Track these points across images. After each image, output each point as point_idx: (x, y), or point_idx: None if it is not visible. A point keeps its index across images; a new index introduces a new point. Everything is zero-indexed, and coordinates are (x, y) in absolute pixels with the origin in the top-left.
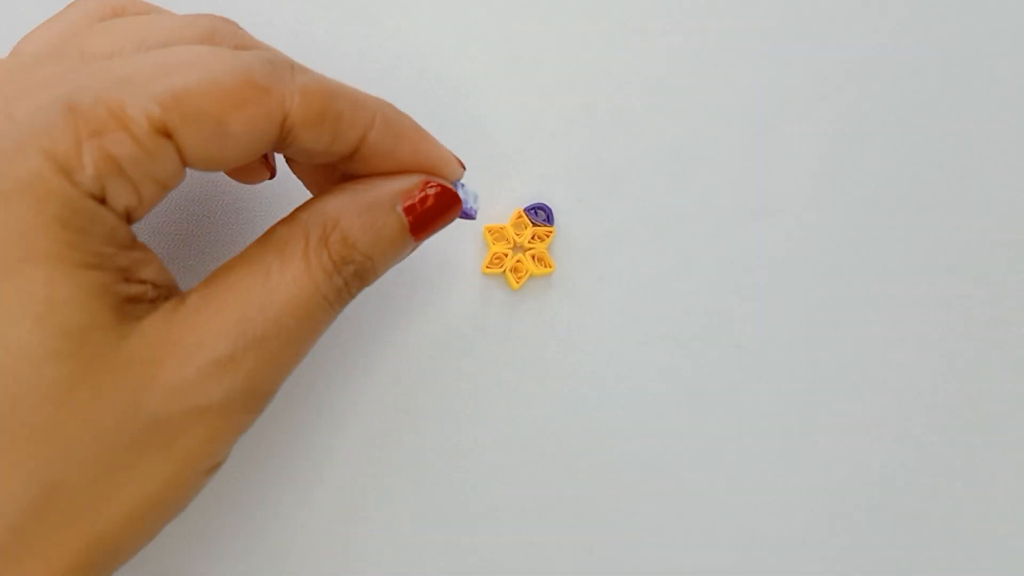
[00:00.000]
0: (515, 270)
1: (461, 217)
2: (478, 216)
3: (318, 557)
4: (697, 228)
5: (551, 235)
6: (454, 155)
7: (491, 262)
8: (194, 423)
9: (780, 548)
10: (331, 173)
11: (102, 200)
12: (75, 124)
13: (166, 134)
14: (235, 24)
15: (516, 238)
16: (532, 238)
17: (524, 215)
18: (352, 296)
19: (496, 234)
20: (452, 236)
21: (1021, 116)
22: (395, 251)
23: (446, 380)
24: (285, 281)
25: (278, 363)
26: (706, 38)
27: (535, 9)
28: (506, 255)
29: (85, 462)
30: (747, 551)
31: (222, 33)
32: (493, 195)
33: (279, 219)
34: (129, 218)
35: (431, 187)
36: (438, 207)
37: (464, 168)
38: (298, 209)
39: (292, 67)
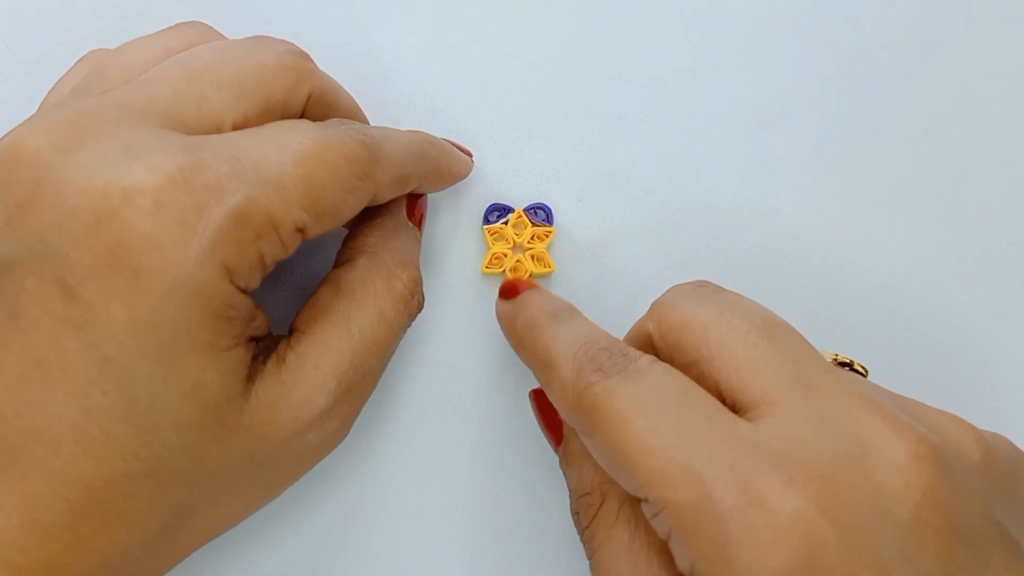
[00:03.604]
0: (515, 270)
1: None
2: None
3: (317, 556)
4: (697, 228)
5: (551, 235)
6: (466, 157)
7: (491, 262)
8: (296, 462)
9: None
10: None
11: (245, 290)
12: (242, 234)
13: (302, 231)
14: (306, 56)
15: (516, 238)
16: (532, 238)
17: (524, 215)
18: (416, 313)
19: (496, 234)
20: (452, 236)
21: (1021, 114)
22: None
23: (446, 380)
24: (363, 328)
25: (363, 399)
26: (706, 38)
27: (535, 9)
28: (506, 255)
29: (209, 492)
30: None
31: (304, 76)
32: (492, 195)
33: (335, 260)
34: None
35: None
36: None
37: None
38: (351, 251)
39: (380, 143)
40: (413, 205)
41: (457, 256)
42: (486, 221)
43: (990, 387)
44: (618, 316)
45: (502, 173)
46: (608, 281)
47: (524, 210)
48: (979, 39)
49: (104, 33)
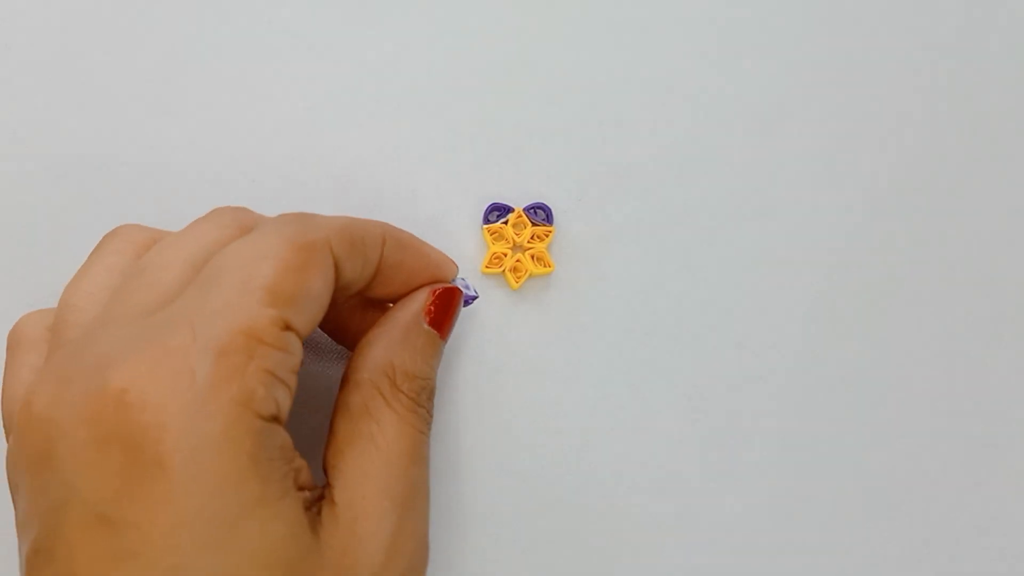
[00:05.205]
0: (515, 270)
1: (465, 304)
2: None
3: None
4: (697, 228)
5: (550, 235)
6: (447, 257)
7: (491, 262)
8: None
9: (779, 548)
10: (356, 315)
11: (274, 418)
12: (233, 362)
13: (286, 326)
14: (245, 209)
15: (515, 238)
16: (531, 238)
17: (524, 215)
18: (432, 415)
19: (495, 234)
20: (451, 236)
21: (1022, 115)
22: (438, 357)
23: (446, 380)
24: (389, 441)
25: (423, 508)
26: (706, 38)
27: (536, 8)
28: (505, 255)
29: None
30: (746, 551)
31: (243, 221)
32: (492, 195)
33: (340, 387)
34: (283, 420)
35: (437, 294)
36: (448, 307)
37: (457, 267)
38: (351, 371)
39: (314, 217)
40: (433, 308)
41: (457, 256)
42: (486, 221)
43: (989, 385)
44: (618, 316)
45: (502, 173)
46: (608, 281)
47: (524, 210)
48: (979, 39)
49: (103, 33)
